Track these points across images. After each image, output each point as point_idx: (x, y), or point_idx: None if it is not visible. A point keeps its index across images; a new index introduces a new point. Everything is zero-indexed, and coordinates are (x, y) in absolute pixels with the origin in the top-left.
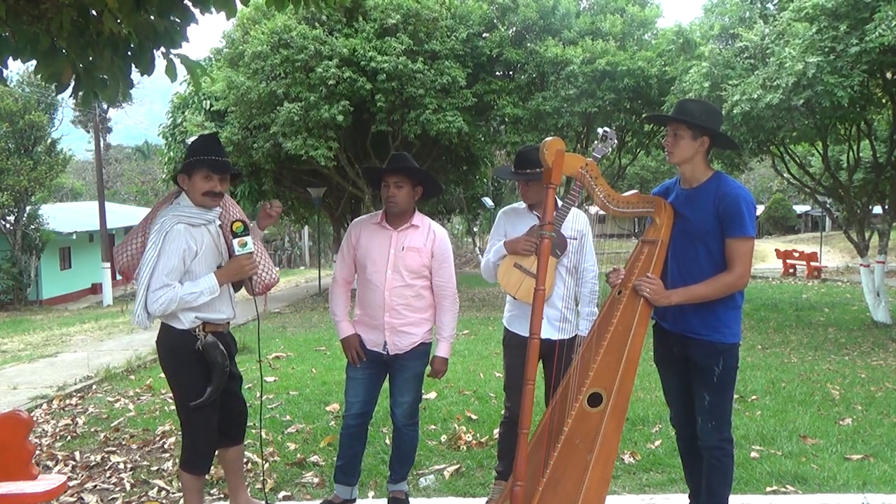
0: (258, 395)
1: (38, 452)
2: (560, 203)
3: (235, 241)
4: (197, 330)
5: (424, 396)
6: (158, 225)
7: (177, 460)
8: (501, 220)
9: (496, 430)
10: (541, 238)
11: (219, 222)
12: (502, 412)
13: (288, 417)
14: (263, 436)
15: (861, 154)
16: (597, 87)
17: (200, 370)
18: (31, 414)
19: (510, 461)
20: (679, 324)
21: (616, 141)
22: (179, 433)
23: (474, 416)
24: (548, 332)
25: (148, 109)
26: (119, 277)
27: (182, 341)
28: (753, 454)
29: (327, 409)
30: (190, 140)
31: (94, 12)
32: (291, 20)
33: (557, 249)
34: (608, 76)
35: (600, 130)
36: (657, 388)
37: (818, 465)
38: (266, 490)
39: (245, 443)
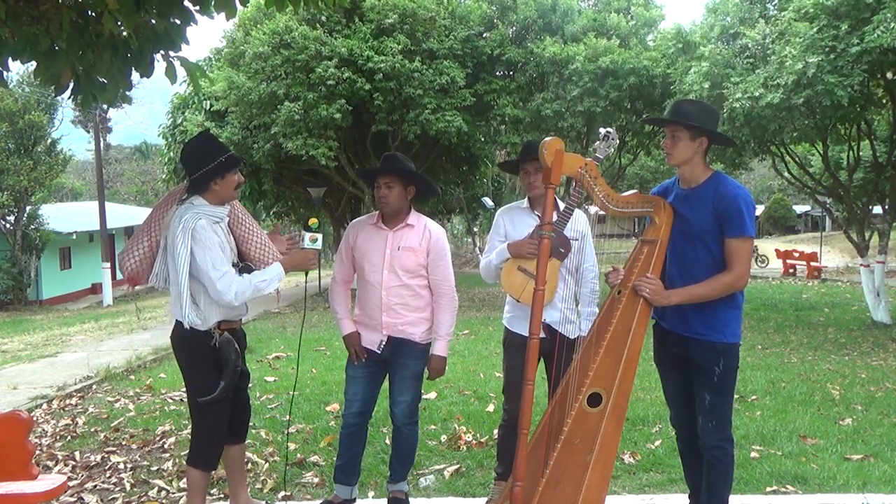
0: (258, 395)
1: (38, 452)
2: (563, 206)
3: (307, 235)
4: (212, 328)
5: (424, 396)
6: (181, 225)
7: (177, 460)
8: (501, 219)
9: (496, 430)
10: (540, 238)
11: (227, 220)
12: (502, 414)
13: (288, 417)
14: (263, 436)
15: (861, 154)
16: (598, 85)
17: (214, 367)
18: (31, 414)
19: (510, 463)
20: (679, 324)
21: (618, 141)
22: (179, 433)
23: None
24: (549, 331)
25: (148, 109)
26: (120, 277)
27: (197, 338)
28: (753, 454)
29: (327, 409)
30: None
31: (93, 14)
32: (292, 21)
33: (561, 251)
34: (611, 74)
35: (602, 130)
36: (657, 388)
37: (818, 465)
38: (266, 490)
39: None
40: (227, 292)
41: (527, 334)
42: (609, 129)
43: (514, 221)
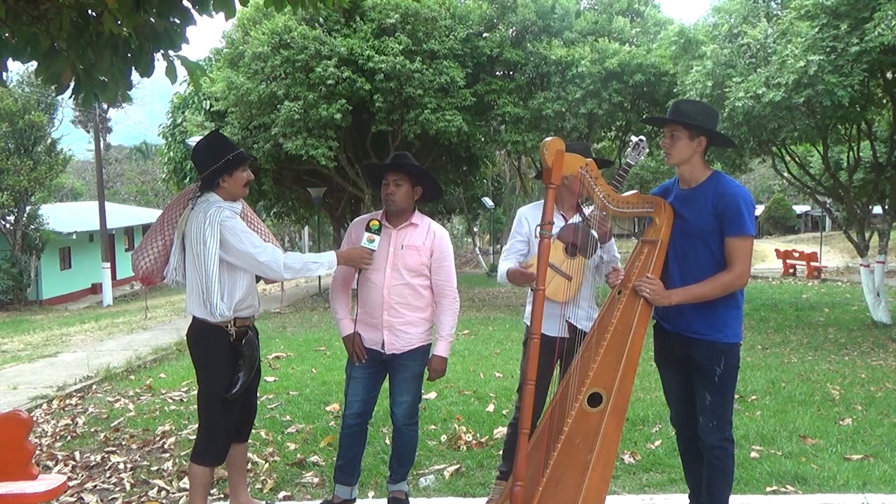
0: (258, 394)
1: (38, 452)
2: (589, 211)
3: (365, 235)
4: (228, 325)
5: (424, 396)
6: (207, 220)
7: (177, 460)
8: (524, 217)
9: (496, 430)
10: (540, 238)
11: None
12: (511, 411)
13: (288, 417)
14: (263, 436)
15: (861, 154)
16: (602, 87)
17: (230, 363)
18: (31, 414)
19: (514, 461)
20: (680, 324)
21: (647, 149)
22: (179, 433)
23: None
24: (572, 329)
25: (148, 109)
26: (120, 277)
27: (214, 334)
28: (753, 454)
29: (327, 409)
30: (193, 141)
31: (93, 13)
32: (291, 20)
33: (588, 250)
34: (616, 77)
35: (633, 139)
36: (657, 388)
37: (818, 465)
38: (266, 490)
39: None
40: (274, 263)
41: (551, 333)
42: (641, 138)
43: (538, 220)
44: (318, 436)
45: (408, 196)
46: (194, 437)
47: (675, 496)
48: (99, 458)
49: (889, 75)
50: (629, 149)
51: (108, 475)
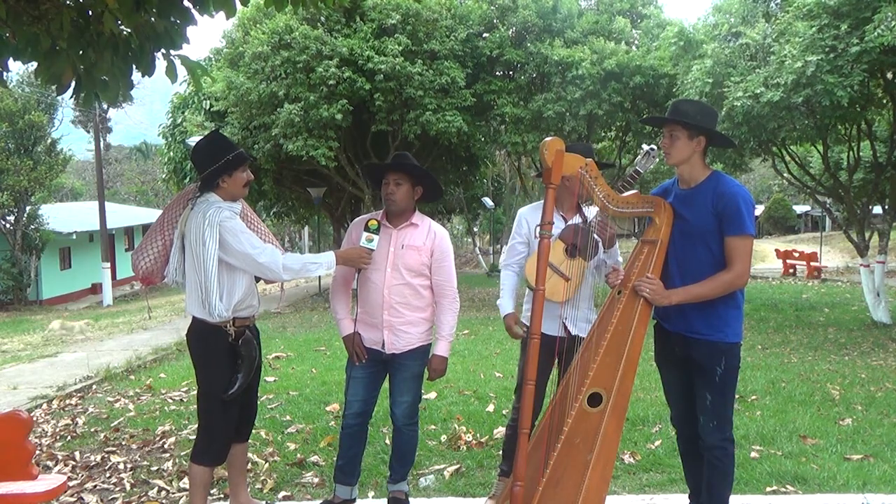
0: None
1: (38, 452)
2: (591, 213)
3: (364, 234)
4: (227, 325)
5: (424, 396)
6: (206, 221)
7: (177, 460)
8: (523, 219)
9: (496, 430)
10: (540, 238)
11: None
12: (511, 412)
13: (288, 417)
14: (263, 436)
15: (861, 154)
16: (602, 88)
17: (229, 363)
18: (31, 414)
19: (514, 461)
20: (681, 324)
21: (657, 159)
22: (179, 433)
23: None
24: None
25: (148, 109)
26: (120, 277)
27: (213, 334)
28: (753, 454)
29: (327, 409)
30: (193, 141)
31: (93, 13)
32: (292, 20)
33: (590, 252)
34: (615, 77)
35: (644, 147)
36: (657, 388)
37: (818, 465)
38: (266, 490)
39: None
40: (273, 264)
41: (550, 333)
42: (652, 147)
43: (538, 221)
44: (318, 436)
45: (408, 196)
46: (194, 437)
47: (675, 496)
48: (99, 458)
49: (889, 75)
50: (639, 156)
51: (108, 475)
